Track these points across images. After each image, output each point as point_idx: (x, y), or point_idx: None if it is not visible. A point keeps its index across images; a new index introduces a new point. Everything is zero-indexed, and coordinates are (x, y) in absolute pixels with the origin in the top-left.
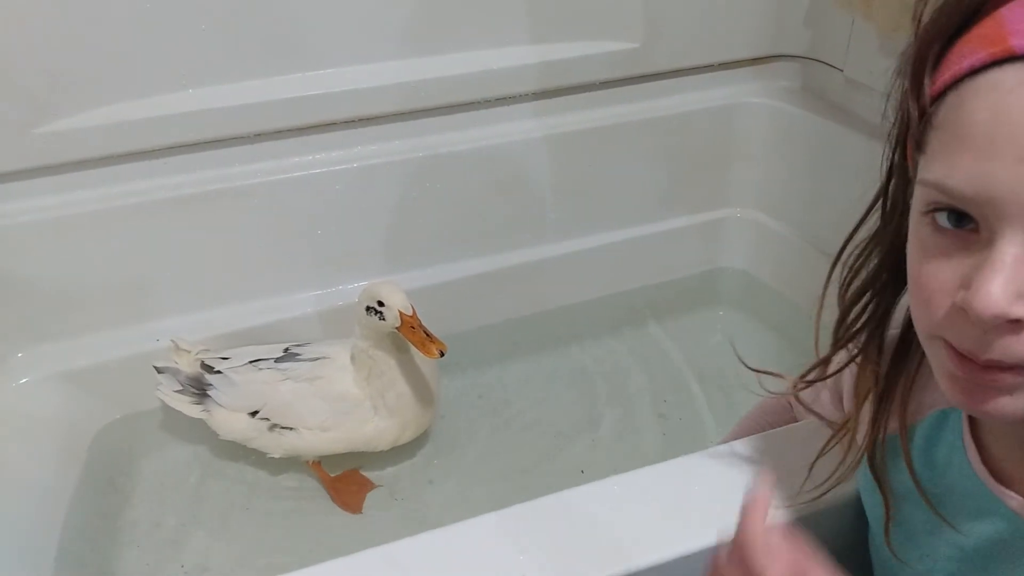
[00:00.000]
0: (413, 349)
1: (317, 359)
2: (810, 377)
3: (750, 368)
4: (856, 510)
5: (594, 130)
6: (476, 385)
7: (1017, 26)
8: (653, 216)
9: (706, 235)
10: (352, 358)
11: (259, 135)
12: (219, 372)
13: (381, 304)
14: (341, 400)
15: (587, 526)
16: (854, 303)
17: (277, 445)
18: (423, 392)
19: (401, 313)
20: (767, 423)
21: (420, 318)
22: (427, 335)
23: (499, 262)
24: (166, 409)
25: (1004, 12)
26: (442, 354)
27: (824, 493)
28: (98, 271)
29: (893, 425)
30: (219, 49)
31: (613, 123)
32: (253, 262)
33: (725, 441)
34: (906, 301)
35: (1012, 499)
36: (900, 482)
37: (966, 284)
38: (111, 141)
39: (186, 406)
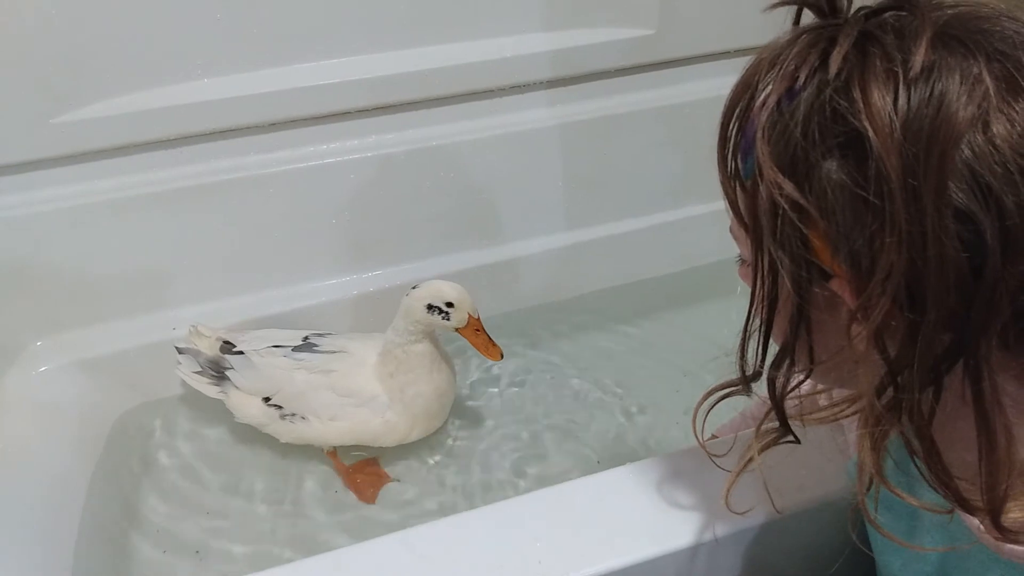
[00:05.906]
0: (441, 351)
1: (334, 352)
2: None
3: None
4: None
5: (609, 118)
6: (492, 374)
7: None
8: (669, 204)
9: (722, 223)
10: (383, 352)
11: (275, 124)
12: (240, 352)
13: (450, 305)
14: (352, 395)
15: (602, 514)
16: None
17: (288, 432)
18: (441, 394)
19: (469, 316)
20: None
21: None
22: (489, 339)
23: (514, 251)
24: (184, 397)
25: None
26: (501, 356)
27: None
28: (117, 260)
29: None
30: (235, 38)
31: (628, 111)
32: (270, 251)
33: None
34: None
35: None
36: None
37: None
38: (129, 130)
39: (204, 386)
